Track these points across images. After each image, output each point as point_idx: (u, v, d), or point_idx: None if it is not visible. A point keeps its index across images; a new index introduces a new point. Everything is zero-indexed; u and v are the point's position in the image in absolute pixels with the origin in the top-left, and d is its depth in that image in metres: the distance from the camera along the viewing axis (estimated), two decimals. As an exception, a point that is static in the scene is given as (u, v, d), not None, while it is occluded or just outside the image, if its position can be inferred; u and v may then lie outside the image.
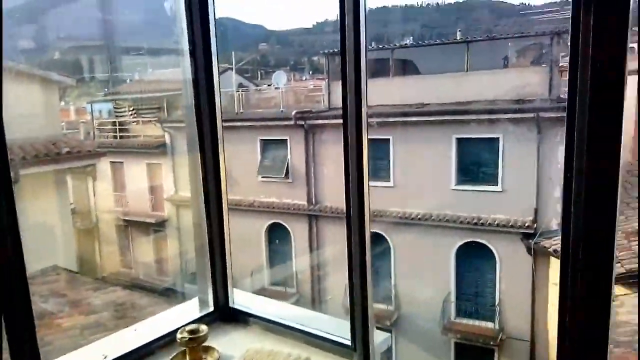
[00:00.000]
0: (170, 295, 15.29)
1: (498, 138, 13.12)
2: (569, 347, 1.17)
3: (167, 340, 2.00)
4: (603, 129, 0.98)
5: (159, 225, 18.41)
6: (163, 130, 18.24)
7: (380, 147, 14.22)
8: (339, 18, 1.67)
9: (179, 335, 1.81)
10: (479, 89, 13.70)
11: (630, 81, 0.92)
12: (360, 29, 1.65)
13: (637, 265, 8.42)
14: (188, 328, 1.82)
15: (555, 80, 13.08)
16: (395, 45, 16.95)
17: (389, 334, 2.16)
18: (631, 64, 0.93)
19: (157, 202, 18.65)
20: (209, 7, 2.07)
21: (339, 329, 1.96)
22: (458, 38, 16.42)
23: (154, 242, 18.73)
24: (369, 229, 1.77)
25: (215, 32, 2.09)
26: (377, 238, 14.21)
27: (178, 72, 2.26)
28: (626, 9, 0.92)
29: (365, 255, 1.77)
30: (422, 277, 13.92)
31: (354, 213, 1.75)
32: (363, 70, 1.68)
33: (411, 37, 19.73)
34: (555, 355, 1.20)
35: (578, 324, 1.14)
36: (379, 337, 1.95)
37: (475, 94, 13.63)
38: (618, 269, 8.27)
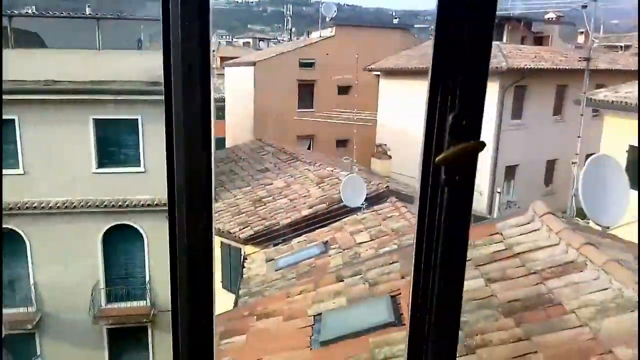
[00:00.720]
0: None
1: (137, 119, 13.24)
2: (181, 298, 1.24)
3: None
4: (192, 117, 1.02)
5: None
6: None
7: (3, 130, 12.20)
8: None
9: None
10: (114, 68, 13.41)
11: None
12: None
13: (263, 227, 10.20)
14: None
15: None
16: (14, 12, 14.63)
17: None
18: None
19: None
20: None
21: None
22: (87, 13, 15.50)
23: None
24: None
25: None
26: (11, 236, 12.33)
27: None
28: (206, 16, 0.99)
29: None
30: (67, 269, 12.88)
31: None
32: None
33: (34, 6, 17.38)
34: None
35: (190, 277, 1.10)
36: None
37: (110, 73, 13.26)
38: (248, 231, 9.86)
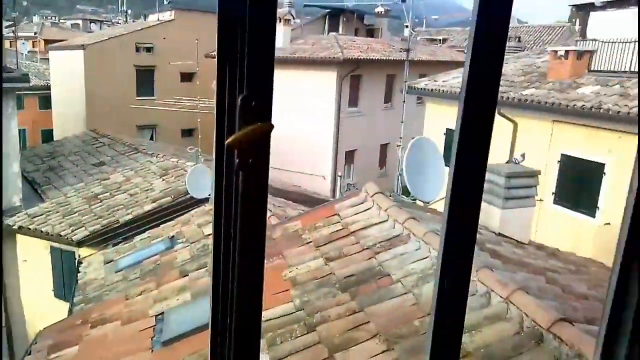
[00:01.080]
0: None
1: None
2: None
3: None
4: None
5: None
6: None
7: None
8: None
9: None
10: None
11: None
12: None
13: (100, 226, 9.35)
14: None
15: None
16: None
17: None
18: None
19: None
20: None
21: None
22: None
23: None
24: None
25: None
26: None
27: None
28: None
29: None
30: None
31: None
32: None
33: None
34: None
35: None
36: None
37: None
38: (82, 232, 8.97)
